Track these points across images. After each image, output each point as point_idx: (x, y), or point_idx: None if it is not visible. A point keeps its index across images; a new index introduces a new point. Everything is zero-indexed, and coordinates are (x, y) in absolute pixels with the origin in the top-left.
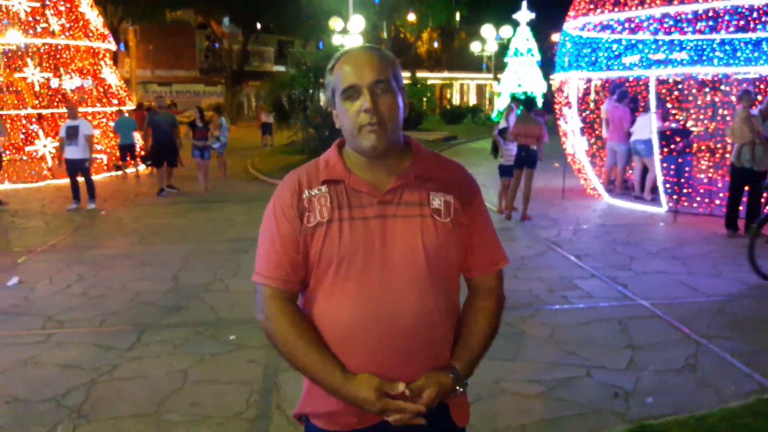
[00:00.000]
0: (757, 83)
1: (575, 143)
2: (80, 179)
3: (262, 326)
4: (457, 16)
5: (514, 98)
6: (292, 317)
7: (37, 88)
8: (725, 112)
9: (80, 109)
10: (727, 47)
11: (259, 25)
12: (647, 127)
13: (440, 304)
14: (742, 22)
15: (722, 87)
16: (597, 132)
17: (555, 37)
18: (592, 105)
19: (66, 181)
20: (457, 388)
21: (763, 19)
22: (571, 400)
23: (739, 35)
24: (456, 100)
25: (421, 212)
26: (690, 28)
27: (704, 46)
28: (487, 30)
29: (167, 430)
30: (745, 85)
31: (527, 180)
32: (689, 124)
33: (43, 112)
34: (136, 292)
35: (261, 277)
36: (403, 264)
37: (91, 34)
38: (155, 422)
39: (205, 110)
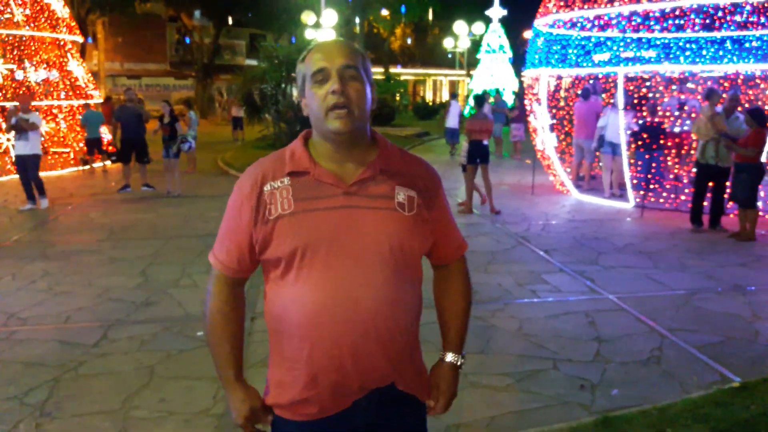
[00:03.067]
0: (721, 81)
1: (545, 139)
2: None
3: (206, 299)
4: (430, 12)
5: (475, 97)
6: (226, 302)
7: (0, 80)
8: (691, 110)
9: (46, 102)
10: (693, 45)
11: (230, 19)
12: (613, 125)
13: (403, 294)
14: (707, 21)
15: (688, 84)
16: (566, 129)
17: (527, 33)
18: (561, 102)
19: None
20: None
21: (727, 18)
22: (539, 392)
23: (704, 34)
24: (429, 97)
25: (386, 205)
26: (657, 27)
27: (671, 44)
28: (459, 26)
29: (134, 427)
30: (709, 83)
31: (484, 174)
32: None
33: (7, 105)
34: (104, 288)
35: (213, 258)
36: (366, 254)
37: (57, 26)
38: (121, 419)
39: (174, 104)
